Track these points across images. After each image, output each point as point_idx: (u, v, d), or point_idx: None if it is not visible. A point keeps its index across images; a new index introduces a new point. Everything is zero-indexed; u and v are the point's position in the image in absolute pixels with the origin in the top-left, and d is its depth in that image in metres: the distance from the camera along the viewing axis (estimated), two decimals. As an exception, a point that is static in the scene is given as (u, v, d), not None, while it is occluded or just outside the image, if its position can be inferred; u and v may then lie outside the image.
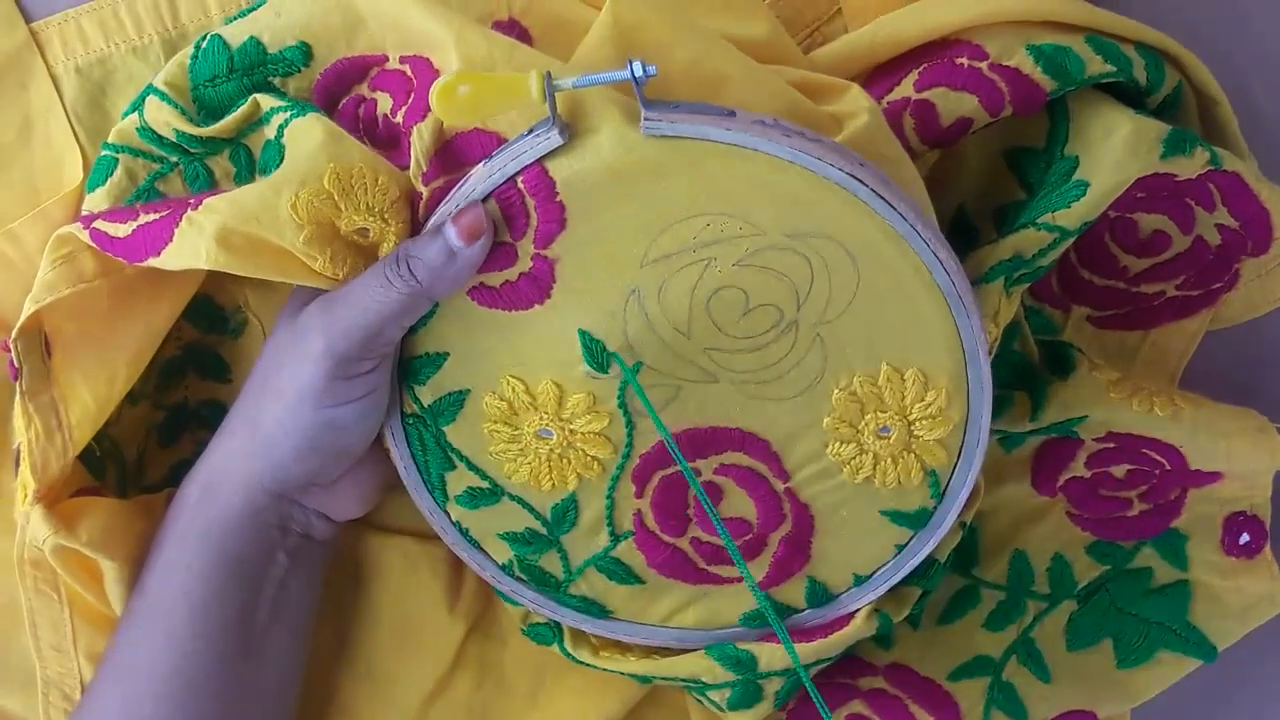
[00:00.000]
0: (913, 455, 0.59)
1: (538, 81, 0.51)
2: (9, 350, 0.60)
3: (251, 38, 0.61)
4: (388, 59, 0.61)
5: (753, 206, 0.54)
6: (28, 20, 0.66)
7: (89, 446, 0.63)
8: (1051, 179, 0.63)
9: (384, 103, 0.60)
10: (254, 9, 0.62)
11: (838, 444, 0.59)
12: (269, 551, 0.60)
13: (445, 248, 0.55)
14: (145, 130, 0.62)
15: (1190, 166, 0.62)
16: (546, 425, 0.59)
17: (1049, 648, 0.69)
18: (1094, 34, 0.62)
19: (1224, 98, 0.65)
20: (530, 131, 0.54)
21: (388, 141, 0.60)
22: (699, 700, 0.67)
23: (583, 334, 0.57)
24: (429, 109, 0.55)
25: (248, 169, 0.62)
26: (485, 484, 0.61)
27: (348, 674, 0.67)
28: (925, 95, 0.62)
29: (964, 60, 0.62)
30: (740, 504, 0.61)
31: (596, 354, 0.57)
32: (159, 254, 0.56)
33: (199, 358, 0.68)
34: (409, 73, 0.59)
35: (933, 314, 0.56)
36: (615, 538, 0.62)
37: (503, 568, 0.64)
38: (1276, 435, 0.67)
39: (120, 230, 0.58)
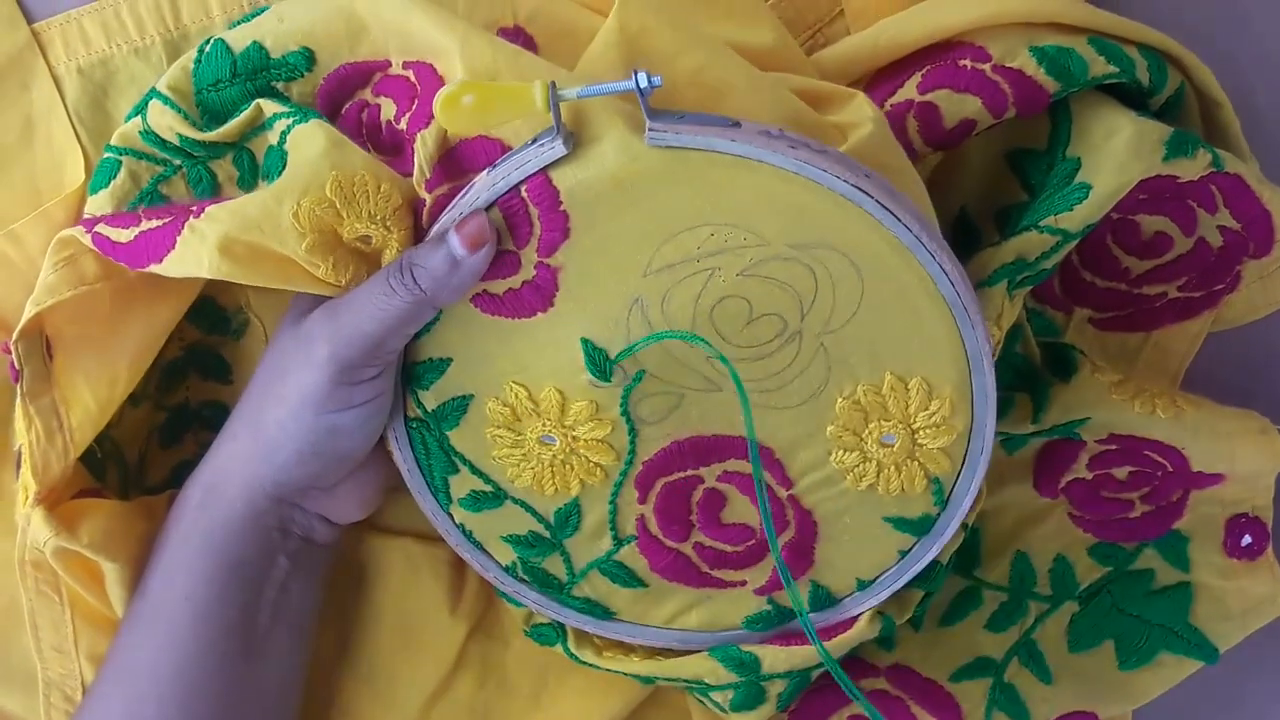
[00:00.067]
0: (916, 463, 0.59)
1: (542, 92, 0.51)
2: (10, 352, 0.60)
3: (254, 42, 0.61)
4: (390, 64, 0.60)
5: (757, 217, 0.54)
6: (29, 21, 0.66)
7: (90, 448, 0.63)
8: (1054, 181, 0.62)
9: (387, 108, 0.60)
10: (257, 14, 0.62)
11: (841, 452, 0.59)
12: (270, 554, 0.61)
13: (449, 256, 0.54)
14: (148, 133, 0.62)
15: (1192, 168, 0.62)
16: (549, 431, 0.59)
17: (1050, 649, 0.69)
18: (1096, 35, 0.62)
19: (1226, 99, 0.65)
20: (534, 140, 0.54)
21: (391, 147, 0.60)
22: (701, 701, 0.67)
23: (585, 342, 0.57)
24: (433, 116, 0.54)
25: (251, 173, 0.62)
26: (488, 487, 0.61)
27: (349, 675, 0.67)
28: (929, 97, 0.62)
29: (967, 62, 0.62)
30: (743, 510, 0.61)
31: (599, 362, 0.57)
32: (161, 261, 0.56)
33: (200, 358, 0.68)
34: (412, 78, 0.59)
35: (937, 324, 0.56)
36: (618, 542, 0.62)
37: (506, 569, 0.64)
38: (1278, 437, 0.67)
39: (123, 236, 0.58)
